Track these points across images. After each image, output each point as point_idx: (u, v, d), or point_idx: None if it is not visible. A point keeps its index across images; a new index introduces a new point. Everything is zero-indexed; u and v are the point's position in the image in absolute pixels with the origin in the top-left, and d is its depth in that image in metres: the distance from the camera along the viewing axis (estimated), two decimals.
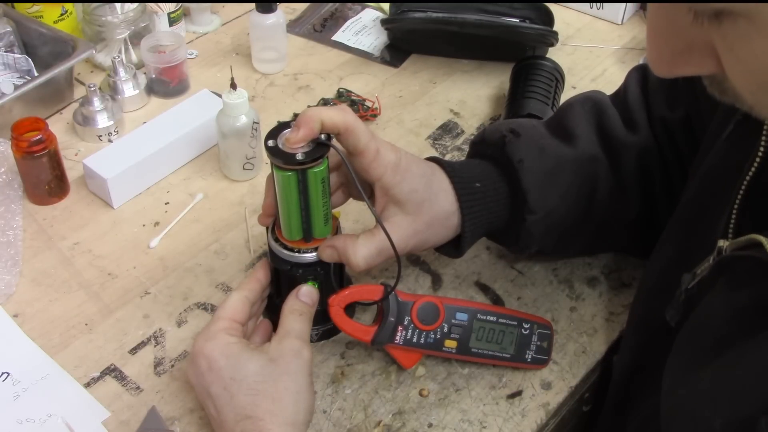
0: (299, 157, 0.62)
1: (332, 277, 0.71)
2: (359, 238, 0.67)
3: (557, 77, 1.01)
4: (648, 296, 0.69)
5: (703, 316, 0.54)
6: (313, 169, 0.64)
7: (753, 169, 0.52)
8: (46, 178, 0.87)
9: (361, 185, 0.65)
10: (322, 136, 0.63)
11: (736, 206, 0.53)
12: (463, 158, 0.96)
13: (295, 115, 1.02)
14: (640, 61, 1.13)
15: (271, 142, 0.64)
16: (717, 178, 0.60)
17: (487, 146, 0.74)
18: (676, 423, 0.52)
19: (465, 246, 0.72)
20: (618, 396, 0.71)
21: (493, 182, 0.72)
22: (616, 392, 0.71)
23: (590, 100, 0.78)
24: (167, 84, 1.04)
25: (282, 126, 0.65)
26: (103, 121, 0.96)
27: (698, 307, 0.55)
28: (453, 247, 0.73)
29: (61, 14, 1.07)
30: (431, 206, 0.69)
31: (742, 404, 0.46)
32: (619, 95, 0.79)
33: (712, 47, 0.40)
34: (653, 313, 0.63)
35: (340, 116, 0.64)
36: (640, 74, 0.79)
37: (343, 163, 0.66)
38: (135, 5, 1.07)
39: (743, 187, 0.53)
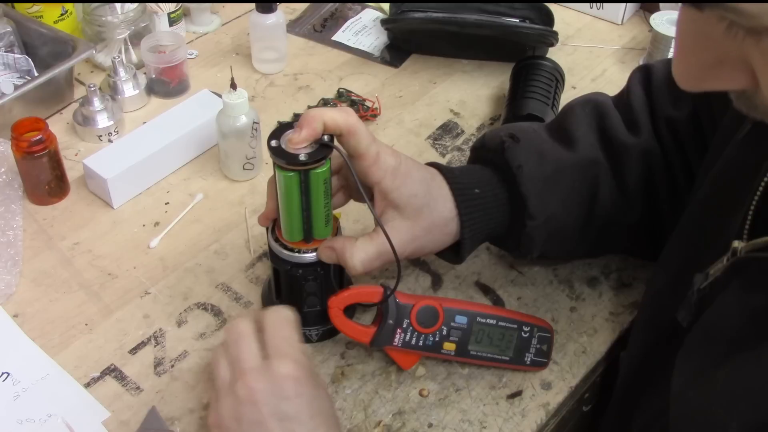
0: (302, 157, 0.62)
1: (332, 277, 0.71)
2: (357, 241, 0.67)
3: (557, 77, 1.01)
4: (658, 295, 0.68)
5: (716, 317, 0.53)
6: (315, 170, 0.64)
7: None
8: (46, 178, 0.87)
9: (362, 187, 0.65)
10: (325, 137, 0.63)
11: (752, 207, 0.52)
12: (462, 158, 0.97)
13: (296, 116, 1.02)
14: (640, 62, 1.13)
15: (274, 143, 0.64)
16: (732, 178, 0.59)
17: (487, 151, 0.74)
18: (687, 425, 0.52)
19: (464, 253, 0.72)
20: (624, 392, 0.70)
21: (493, 188, 0.72)
22: (622, 389, 0.71)
23: (591, 102, 0.77)
24: (167, 84, 1.04)
25: (284, 126, 0.65)
26: (103, 121, 0.96)
27: (711, 307, 0.54)
28: (453, 253, 0.73)
29: (61, 14, 1.07)
30: (430, 212, 0.68)
31: (761, 408, 0.45)
32: (622, 97, 0.78)
33: (746, 62, 0.38)
34: (663, 312, 0.62)
35: (343, 117, 0.64)
36: (643, 74, 0.78)
37: (344, 164, 0.66)
38: (135, 5, 1.07)
39: (760, 189, 0.52)
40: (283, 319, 0.63)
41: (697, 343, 0.54)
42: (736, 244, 0.52)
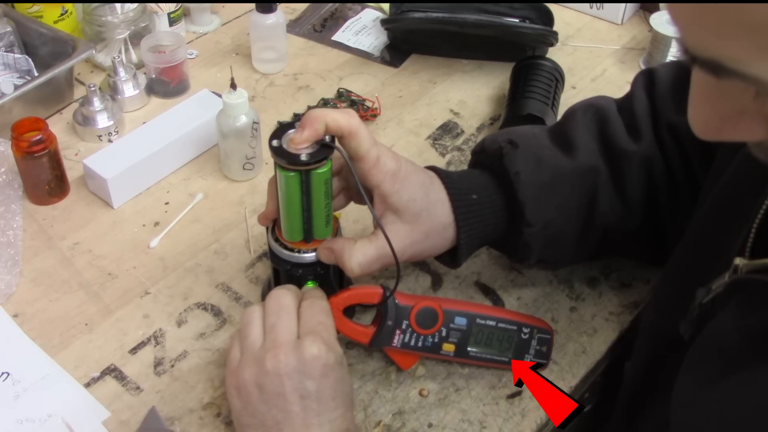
0: (303, 157, 0.62)
1: (332, 277, 0.71)
2: (357, 243, 0.67)
3: (557, 77, 1.01)
4: (662, 306, 0.67)
5: (714, 335, 0.53)
6: (316, 171, 0.64)
7: None
8: (46, 178, 0.87)
9: (362, 189, 0.65)
10: (326, 137, 0.64)
11: (755, 224, 0.52)
12: (462, 158, 0.97)
13: (296, 116, 1.02)
14: (640, 62, 1.13)
15: (275, 143, 0.64)
16: (738, 192, 0.58)
17: (486, 157, 0.74)
18: None
19: (461, 257, 0.72)
20: (629, 402, 0.70)
21: (490, 194, 0.71)
22: (627, 397, 0.70)
23: (593, 107, 0.76)
24: (167, 84, 1.04)
25: (285, 126, 0.65)
26: (103, 121, 0.96)
27: (710, 324, 0.53)
28: (450, 258, 0.73)
29: (61, 14, 1.07)
30: (428, 216, 0.68)
31: (748, 431, 0.45)
32: (626, 101, 0.77)
33: (765, 115, 0.37)
34: (667, 324, 0.61)
35: (345, 119, 0.64)
36: (647, 79, 0.77)
37: (345, 166, 0.66)
38: (135, 5, 1.07)
39: (765, 205, 0.51)
40: (320, 308, 0.66)
41: (695, 359, 0.54)
42: (737, 261, 0.51)
